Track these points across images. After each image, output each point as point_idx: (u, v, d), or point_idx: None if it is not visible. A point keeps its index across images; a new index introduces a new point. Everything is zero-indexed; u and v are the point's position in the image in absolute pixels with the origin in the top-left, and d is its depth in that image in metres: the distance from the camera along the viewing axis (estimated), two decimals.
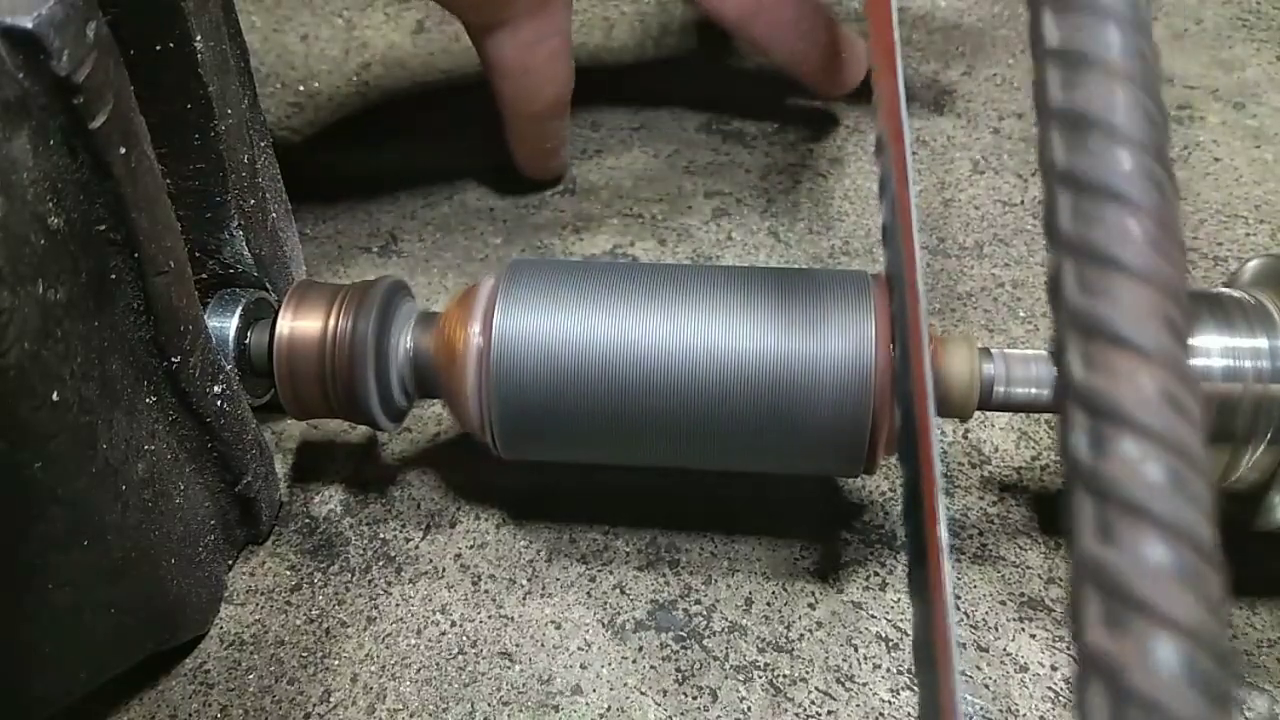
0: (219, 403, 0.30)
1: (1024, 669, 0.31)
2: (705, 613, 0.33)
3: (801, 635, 0.32)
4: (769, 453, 0.30)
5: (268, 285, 0.34)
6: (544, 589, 0.33)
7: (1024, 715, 0.30)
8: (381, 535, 0.35)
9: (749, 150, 0.47)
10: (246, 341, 0.33)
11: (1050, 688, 0.30)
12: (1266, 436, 0.29)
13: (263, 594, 0.34)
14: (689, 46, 0.52)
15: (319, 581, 0.34)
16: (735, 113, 0.49)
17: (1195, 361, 0.20)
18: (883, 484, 0.35)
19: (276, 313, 0.32)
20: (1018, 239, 0.43)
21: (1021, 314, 0.40)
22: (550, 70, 0.41)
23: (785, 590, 0.33)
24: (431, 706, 0.31)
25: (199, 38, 0.28)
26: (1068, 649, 0.31)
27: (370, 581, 0.34)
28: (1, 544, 0.23)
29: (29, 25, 0.21)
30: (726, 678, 0.31)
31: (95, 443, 0.24)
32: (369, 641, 0.32)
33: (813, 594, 0.33)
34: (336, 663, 0.32)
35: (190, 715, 0.31)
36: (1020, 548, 0.33)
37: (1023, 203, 0.44)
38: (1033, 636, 0.31)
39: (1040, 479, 0.35)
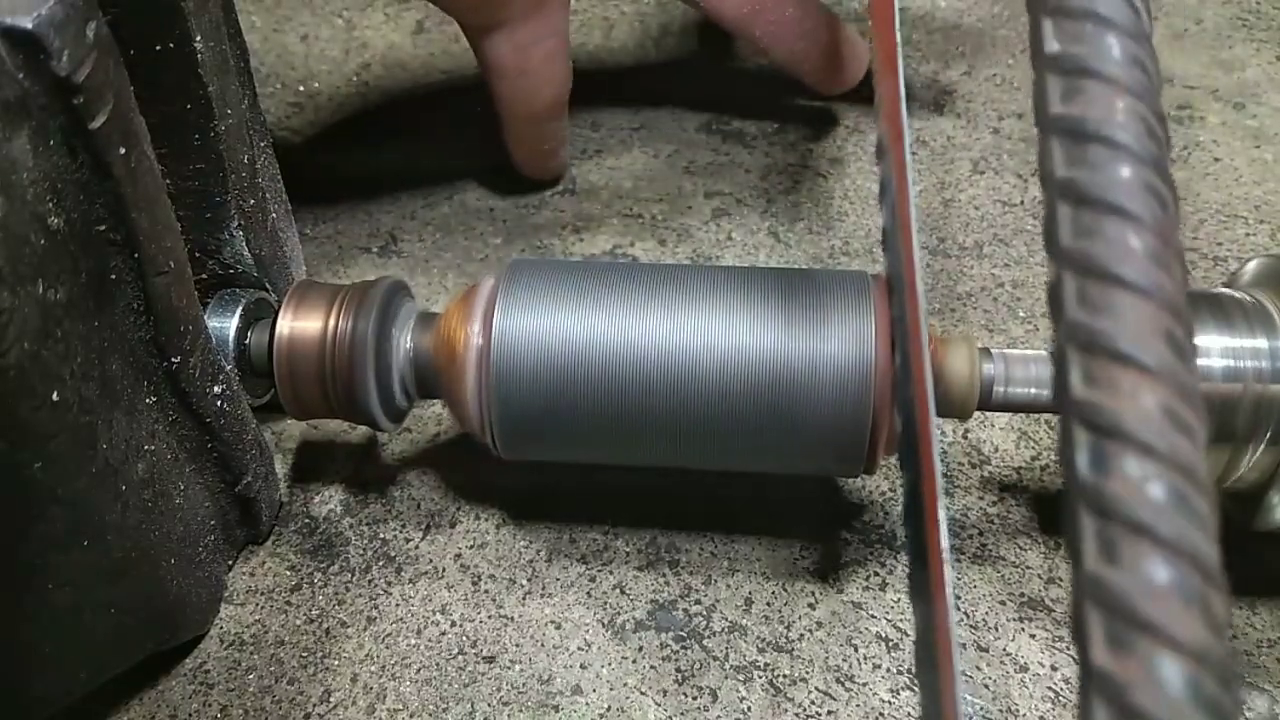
0: (219, 403, 0.30)
1: (1024, 669, 0.31)
2: (705, 613, 0.33)
3: (801, 635, 0.32)
4: (769, 453, 0.30)
5: (268, 285, 0.34)
6: (544, 589, 0.33)
7: (1024, 715, 0.30)
8: (381, 535, 0.35)
9: (749, 150, 0.47)
10: (246, 341, 0.33)
11: (1050, 688, 0.30)
12: (1266, 436, 0.29)
13: (263, 594, 0.34)
14: (689, 46, 0.52)
15: (319, 581, 0.34)
16: (735, 113, 0.49)
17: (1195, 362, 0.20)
18: (883, 484, 0.35)
19: (276, 313, 0.32)
20: (1018, 239, 0.43)
21: (1021, 314, 0.40)
22: (548, 71, 0.41)
23: (785, 590, 0.33)
24: (431, 706, 0.31)
25: (199, 38, 0.28)
26: (1068, 649, 0.31)
27: (370, 581, 0.34)
28: (1, 544, 0.23)
29: (29, 25, 0.21)
30: (726, 678, 0.31)
31: (95, 443, 0.24)
32: (369, 641, 0.32)
33: (813, 594, 0.33)
34: (336, 663, 0.32)
35: (190, 715, 0.31)
36: (1020, 548, 0.33)
37: (1023, 203, 0.44)
38: (1032, 636, 0.31)
39: (1040, 479, 0.35)
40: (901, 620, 0.32)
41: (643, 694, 0.31)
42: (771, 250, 0.43)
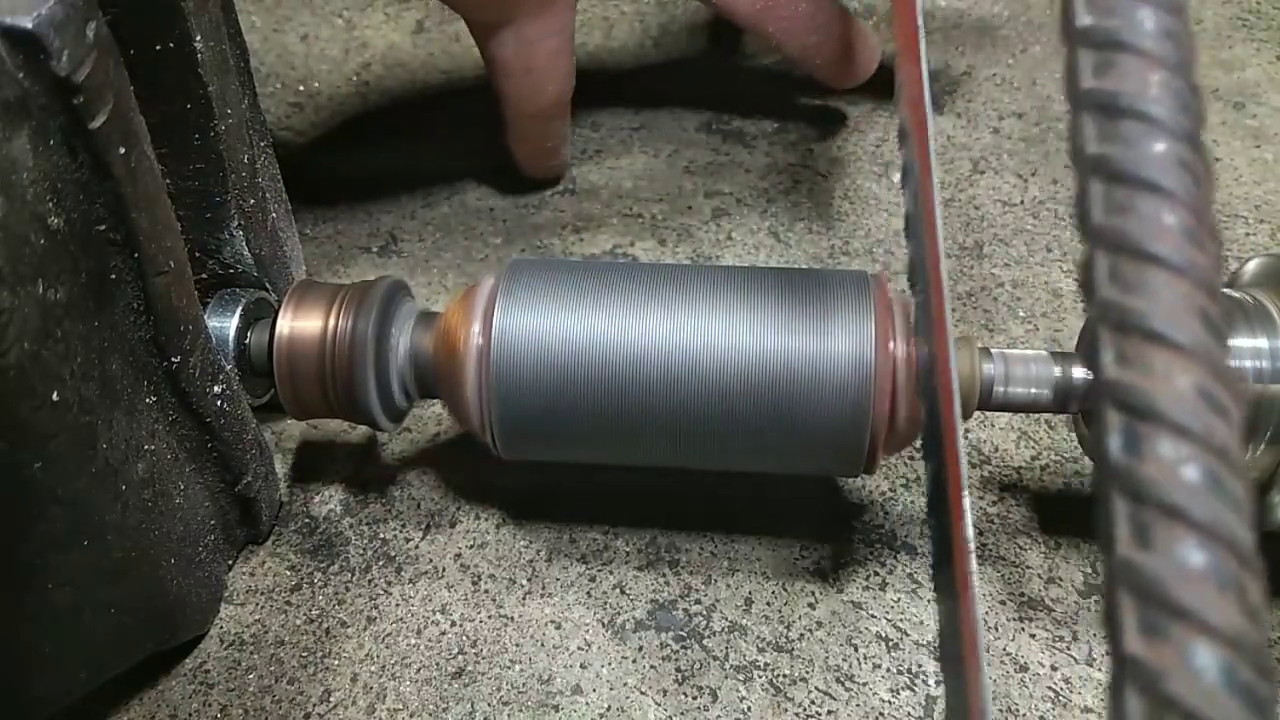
0: (219, 403, 0.30)
1: (1024, 669, 0.31)
2: (705, 613, 0.33)
3: (801, 635, 0.32)
4: (769, 453, 0.30)
5: (268, 285, 0.34)
6: (544, 589, 0.33)
7: (1024, 715, 0.30)
8: (381, 535, 0.35)
9: (749, 150, 0.47)
10: (246, 341, 0.33)
11: (1050, 688, 0.30)
12: (1266, 436, 0.29)
13: (263, 594, 0.34)
14: (689, 46, 0.52)
15: (319, 581, 0.34)
16: (735, 113, 0.49)
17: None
18: (883, 484, 0.35)
19: (276, 313, 0.32)
20: (1018, 239, 0.43)
21: (1021, 314, 0.40)
22: (552, 69, 0.41)
23: (785, 590, 0.33)
24: (431, 706, 0.31)
25: (199, 38, 0.28)
26: (1067, 649, 0.31)
27: (370, 581, 0.34)
28: (1, 544, 0.23)
29: (29, 25, 0.21)
30: (726, 678, 0.31)
31: (95, 443, 0.24)
32: (369, 641, 0.32)
33: (813, 594, 0.33)
34: (336, 663, 0.32)
35: (190, 715, 0.31)
36: (1020, 548, 0.33)
37: (1023, 203, 0.44)
38: (1033, 636, 0.31)
39: (1040, 479, 0.35)
40: (901, 620, 0.32)
41: (643, 694, 0.31)
42: (771, 250, 0.43)
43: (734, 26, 0.44)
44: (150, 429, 0.27)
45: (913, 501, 0.35)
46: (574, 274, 0.31)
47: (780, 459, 0.31)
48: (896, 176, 0.45)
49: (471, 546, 0.34)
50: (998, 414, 0.37)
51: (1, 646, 0.25)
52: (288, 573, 0.34)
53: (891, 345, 0.29)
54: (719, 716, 0.30)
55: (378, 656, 0.32)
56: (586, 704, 0.31)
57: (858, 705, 0.30)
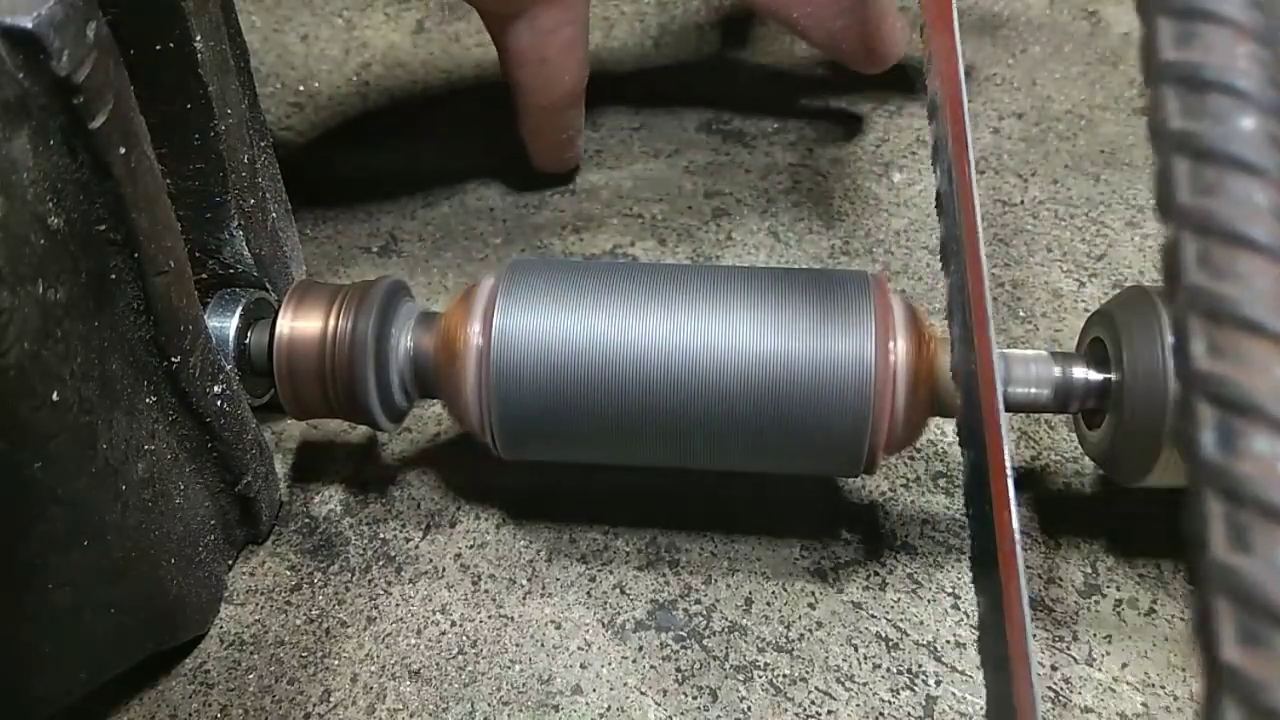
0: (219, 403, 0.30)
1: None
2: (705, 613, 0.33)
3: (801, 635, 0.32)
4: (769, 453, 0.30)
5: (268, 285, 0.34)
6: (544, 589, 0.33)
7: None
8: (381, 535, 0.35)
9: (749, 150, 0.47)
10: (246, 341, 0.33)
11: (1050, 688, 0.30)
12: None
13: (263, 594, 0.34)
14: (689, 46, 0.52)
15: (319, 581, 0.34)
16: (735, 113, 0.49)
17: None
18: (883, 484, 0.35)
19: (276, 313, 0.32)
20: (1018, 239, 0.43)
21: (1021, 314, 0.40)
22: (567, 59, 0.41)
23: (785, 590, 0.33)
24: (431, 706, 0.31)
25: (199, 38, 0.28)
26: (1067, 649, 0.31)
27: (370, 581, 0.34)
28: (1, 544, 0.23)
29: (29, 25, 0.21)
30: (726, 678, 0.31)
31: (95, 443, 0.24)
32: (369, 641, 0.32)
33: (813, 594, 0.33)
34: (336, 663, 0.32)
35: (190, 715, 0.31)
36: (1020, 548, 0.33)
37: (1023, 203, 0.44)
38: (1033, 637, 0.31)
39: (1040, 479, 0.35)
40: (901, 620, 0.32)
41: (643, 694, 0.31)
42: (771, 250, 0.43)
43: (745, 22, 0.43)
44: (150, 429, 0.27)
45: (912, 501, 0.35)
46: (574, 274, 0.31)
47: (780, 459, 0.31)
48: (897, 176, 0.45)
49: (471, 546, 0.34)
50: None
51: (1, 646, 0.25)
52: (288, 573, 0.34)
53: (891, 345, 0.29)
54: (719, 716, 0.30)
55: (378, 656, 0.32)
56: (586, 704, 0.31)
57: (858, 705, 0.30)
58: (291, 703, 0.31)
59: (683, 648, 0.32)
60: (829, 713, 0.30)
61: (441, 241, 0.44)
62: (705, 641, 0.32)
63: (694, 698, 0.31)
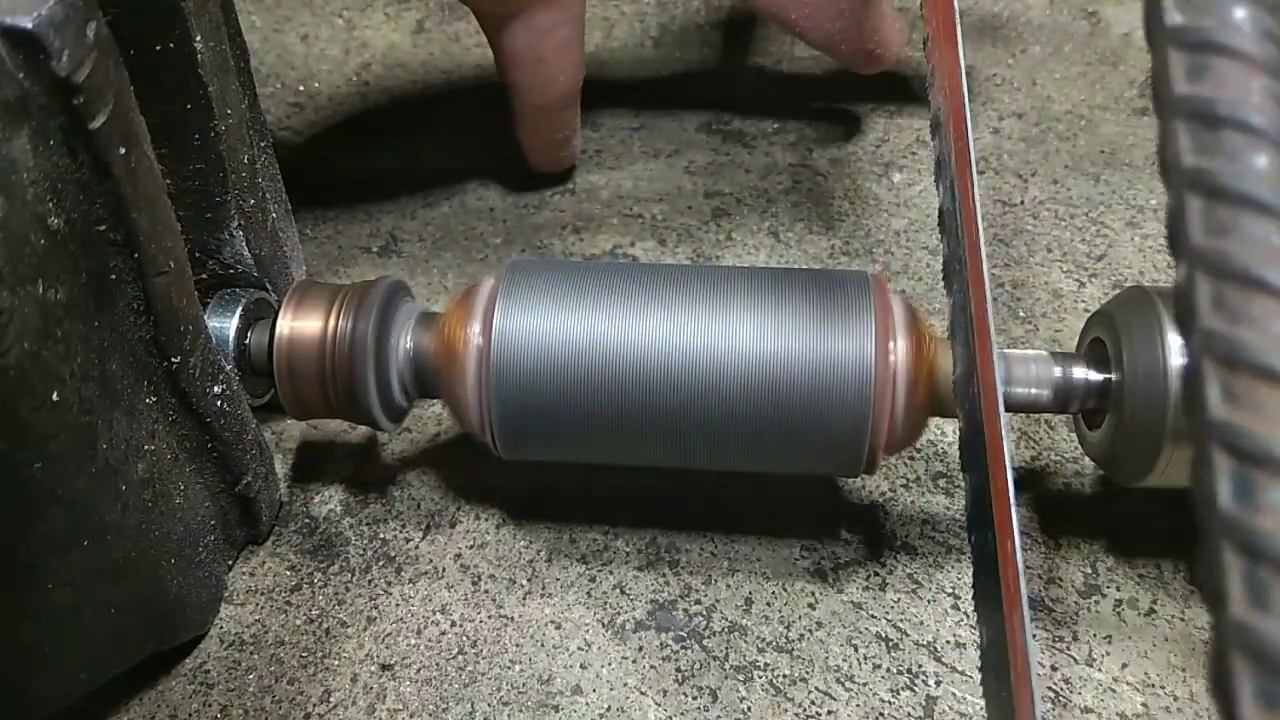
0: (219, 403, 0.30)
1: None
2: (705, 613, 0.33)
3: (801, 635, 0.32)
4: (769, 453, 0.30)
5: (268, 285, 0.34)
6: (544, 589, 0.33)
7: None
8: (381, 535, 0.35)
9: (749, 150, 0.47)
10: (246, 341, 0.33)
11: (1050, 688, 0.30)
12: None
13: (263, 594, 0.34)
14: (689, 46, 0.52)
15: (319, 581, 0.34)
16: (735, 113, 0.49)
17: None
18: (883, 484, 0.35)
19: (276, 313, 0.32)
20: (1018, 239, 0.43)
21: (1021, 314, 0.40)
22: (564, 59, 0.41)
23: (785, 590, 0.33)
24: (431, 706, 0.31)
25: (199, 38, 0.28)
26: (1067, 649, 0.31)
27: (370, 581, 0.34)
28: (1, 544, 0.23)
29: (29, 25, 0.21)
30: (726, 678, 0.31)
31: (95, 443, 0.24)
32: (369, 641, 0.32)
33: (813, 594, 0.33)
34: (336, 663, 0.32)
35: (190, 715, 0.31)
36: (1020, 549, 0.33)
37: (1023, 203, 0.44)
38: (1033, 637, 0.31)
39: (1040, 479, 0.35)
40: (901, 620, 0.32)
41: (643, 694, 0.31)
42: (771, 250, 0.43)
43: (745, 23, 0.43)
44: (150, 429, 0.27)
45: (912, 501, 0.35)
46: (574, 274, 0.31)
47: (780, 459, 0.31)
48: (897, 176, 0.45)
49: (471, 546, 0.34)
50: None
51: (1, 646, 0.25)
52: (288, 573, 0.34)
53: (891, 345, 0.29)
54: (719, 716, 0.30)
55: (378, 656, 0.32)
56: (586, 704, 0.31)
57: (858, 705, 0.30)
58: (291, 703, 0.31)
59: (683, 648, 0.32)
60: (829, 713, 0.30)
61: (441, 241, 0.44)
62: (705, 642, 0.32)
63: (694, 698, 0.31)
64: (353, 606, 0.33)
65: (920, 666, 0.31)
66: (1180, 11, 0.16)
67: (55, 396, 0.22)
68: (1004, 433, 0.21)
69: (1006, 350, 0.30)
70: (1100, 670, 0.31)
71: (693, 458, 0.31)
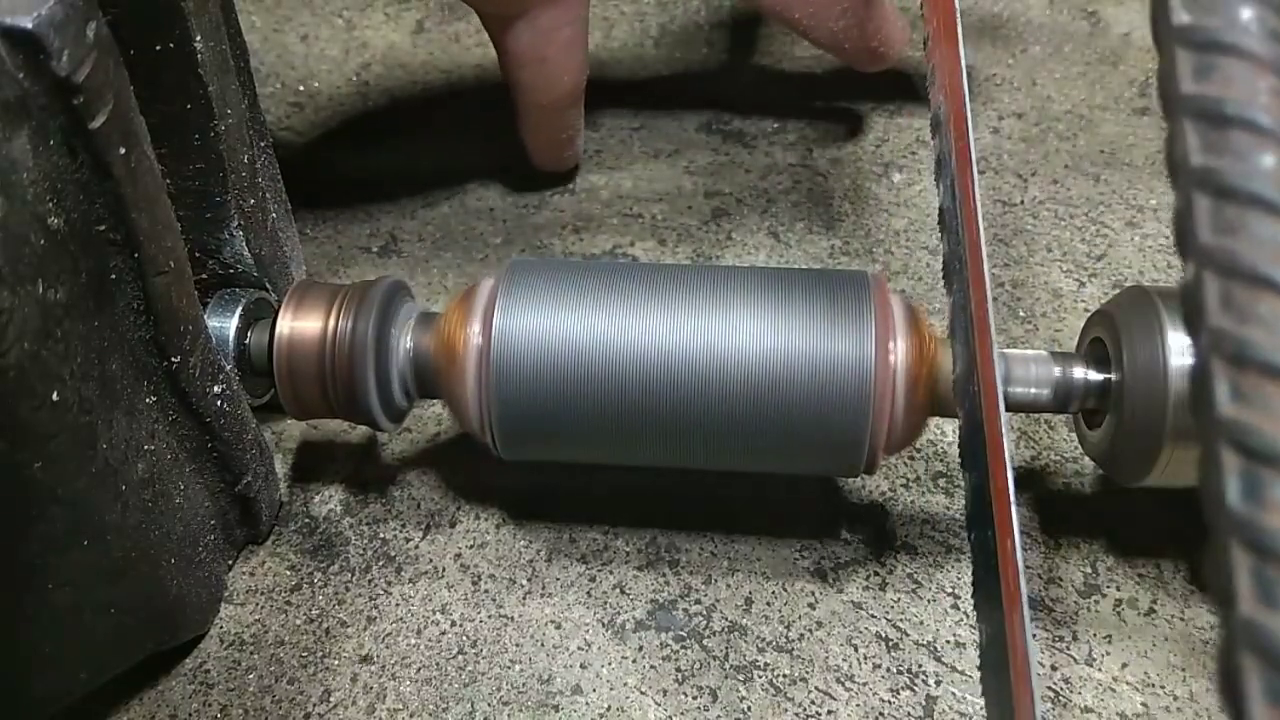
0: (219, 403, 0.30)
1: None
2: (705, 613, 0.33)
3: (801, 635, 0.32)
4: (769, 453, 0.30)
5: (268, 285, 0.34)
6: (544, 589, 0.33)
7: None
8: (381, 535, 0.35)
9: (749, 150, 0.47)
10: (246, 341, 0.33)
11: (1050, 688, 0.30)
12: None
13: (263, 594, 0.34)
14: (689, 46, 0.52)
15: (319, 581, 0.34)
16: (735, 113, 0.49)
17: None
18: (883, 484, 0.35)
19: (276, 313, 0.32)
20: (1018, 239, 0.43)
21: (1021, 314, 0.40)
22: (567, 58, 0.41)
23: (785, 590, 0.33)
24: (431, 706, 0.31)
25: (199, 38, 0.28)
26: (1067, 649, 0.31)
27: (370, 581, 0.34)
28: (1, 544, 0.23)
29: (29, 25, 0.21)
30: (726, 678, 0.31)
31: (95, 443, 0.24)
32: (369, 641, 0.32)
33: (813, 594, 0.33)
34: (336, 663, 0.32)
35: (190, 715, 0.31)
36: (1020, 548, 0.33)
37: (1023, 203, 0.44)
38: (1033, 637, 0.31)
39: (1040, 478, 0.35)
40: (901, 620, 0.32)
41: (643, 694, 0.31)
42: (771, 250, 0.43)
43: (745, 22, 0.43)
44: (150, 429, 0.27)
45: (912, 501, 0.35)
46: (574, 274, 0.31)
47: (780, 459, 0.31)
48: (897, 176, 0.45)
49: (471, 546, 0.34)
50: None
51: (2, 646, 0.25)
52: (288, 573, 0.34)
53: (891, 345, 0.29)
54: (719, 716, 0.30)
55: (378, 656, 0.32)
56: (586, 704, 0.31)
57: (858, 705, 0.30)
58: (291, 703, 0.31)
59: (683, 648, 0.32)
60: (829, 713, 0.30)
61: (441, 241, 0.44)
62: (705, 641, 0.32)
63: (694, 698, 0.31)
64: (353, 606, 0.33)
65: (920, 666, 0.31)
66: (1187, 11, 0.16)
67: (55, 396, 0.22)
68: (1004, 432, 0.21)
69: (1006, 350, 0.30)
70: (1100, 670, 0.31)
71: (693, 457, 0.31)
